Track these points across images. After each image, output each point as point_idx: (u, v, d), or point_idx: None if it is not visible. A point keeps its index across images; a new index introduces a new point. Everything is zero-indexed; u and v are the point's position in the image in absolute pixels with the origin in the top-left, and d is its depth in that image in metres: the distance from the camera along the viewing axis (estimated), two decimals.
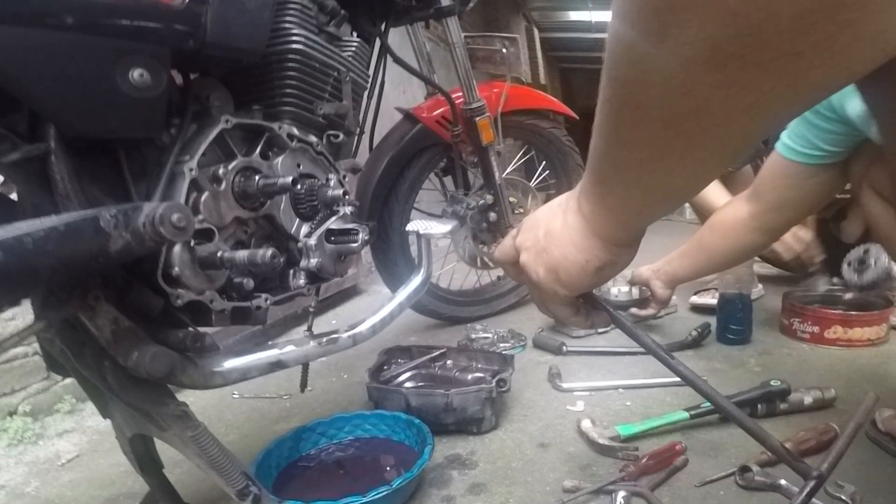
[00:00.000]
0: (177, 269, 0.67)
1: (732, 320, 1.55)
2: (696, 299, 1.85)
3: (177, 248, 0.67)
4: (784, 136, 1.15)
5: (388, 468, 1.03)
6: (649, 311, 1.61)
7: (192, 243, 0.70)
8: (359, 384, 1.36)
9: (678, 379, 1.25)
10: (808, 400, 1.12)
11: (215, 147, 0.81)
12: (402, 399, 1.12)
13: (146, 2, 0.68)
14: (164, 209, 0.55)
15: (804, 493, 0.61)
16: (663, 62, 0.29)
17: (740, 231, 1.30)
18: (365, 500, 0.83)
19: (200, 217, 0.73)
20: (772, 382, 1.13)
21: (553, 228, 0.52)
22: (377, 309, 0.88)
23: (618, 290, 1.67)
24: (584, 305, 0.62)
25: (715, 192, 1.67)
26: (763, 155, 1.37)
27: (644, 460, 0.96)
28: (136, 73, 0.67)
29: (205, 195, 0.75)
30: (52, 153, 0.60)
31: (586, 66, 8.42)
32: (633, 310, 1.63)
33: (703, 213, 1.68)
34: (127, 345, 0.60)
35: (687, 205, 2.17)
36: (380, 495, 0.84)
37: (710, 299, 1.77)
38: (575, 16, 6.88)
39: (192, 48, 0.74)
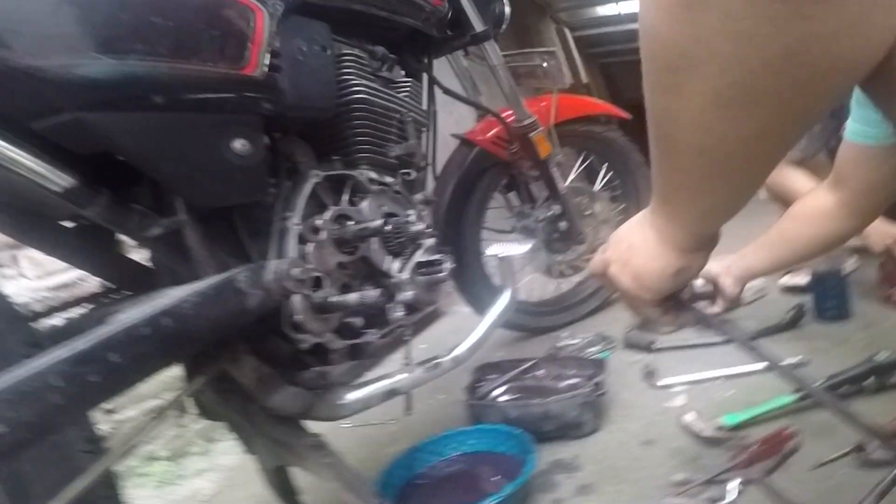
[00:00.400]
0: (299, 316, 0.76)
1: (828, 297, 1.49)
2: (786, 280, 1.79)
3: (296, 298, 0.76)
4: (850, 121, 1.13)
5: (495, 479, 1.07)
6: (715, 309, 1.55)
7: (307, 293, 0.79)
8: (456, 403, 1.42)
9: (781, 363, 1.22)
10: None
11: (309, 200, 0.90)
12: (500, 412, 1.17)
13: (233, 76, 0.77)
14: (286, 265, 0.64)
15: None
16: (683, 107, 0.37)
17: (828, 219, 1.26)
18: None
19: (310, 266, 0.81)
20: (878, 356, 1.08)
21: (634, 242, 0.60)
22: (471, 331, 0.94)
23: (700, 280, 1.65)
24: (671, 307, 0.66)
25: (798, 180, 1.62)
26: (833, 138, 1.33)
27: (754, 447, 0.94)
28: (237, 143, 0.77)
29: (310, 246, 0.83)
30: (186, 224, 0.70)
31: (625, 58, 8.24)
32: (700, 304, 1.56)
33: (786, 202, 1.62)
34: (268, 388, 0.69)
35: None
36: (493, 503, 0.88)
37: (802, 279, 1.71)
38: (602, 10, 6.78)
39: (276, 112, 0.83)
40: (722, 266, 1.47)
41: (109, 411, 1.39)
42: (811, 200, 1.30)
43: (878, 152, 1.10)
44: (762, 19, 0.29)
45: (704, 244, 0.56)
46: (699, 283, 1.59)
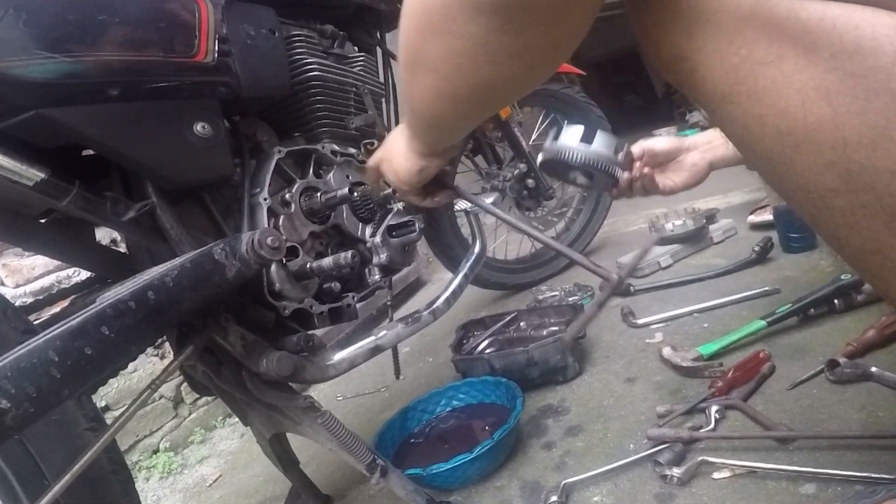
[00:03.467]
0: (278, 284, 0.79)
1: (792, 229, 1.53)
2: (753, 218, 1.83)
3: (274, 268, 0.78)
4: None
5: (486, 428, 1.11)
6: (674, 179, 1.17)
7: (284, 261, 0.81)
8: (444, 363, 1.46)
9: (748, 293, 1.26)
10: None
11: (276, 176, 0.92)
12: (486, 364, 1.20)
13: (185, 64, 0.79)
14: (259, 235, 0.66)
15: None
16: (416, 88, 0.50)
17: None
18: (472, 456, 0.92)
19: (283, 238, 0.83)
20: (842, 277, 1.11)
21: (395, 146, 0.76)
22: (446, 285, 0.97)
23: (671, 224, 1.70)
24: (431, 189, 0.84)
25: None
26: None
27: (731, 374, 0.98)
28: (198, 126, 0.79)
29: (281, 218, 0.86)
30: (158, 206, 0.72)
31: None
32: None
33: None
34: (256, 355, 0.72)
35: None
36: (484, 449, 0.92)
37: (768, 215, 1.75)
38: None
39: (232, 95, 0.86)
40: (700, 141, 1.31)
41: (105, 408, 1.41)
42: None
43: None
44: (451, 68, 0.44)
45: (439, 154, 0.72)
46: (678, 221, 1.62)
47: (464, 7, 0.39)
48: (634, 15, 0.42)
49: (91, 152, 0.79)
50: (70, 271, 1.49)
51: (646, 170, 1.06)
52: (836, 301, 1.11)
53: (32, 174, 0.66)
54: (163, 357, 1.54)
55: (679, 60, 0.39)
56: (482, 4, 0.38)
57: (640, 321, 1.36)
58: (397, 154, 0.74)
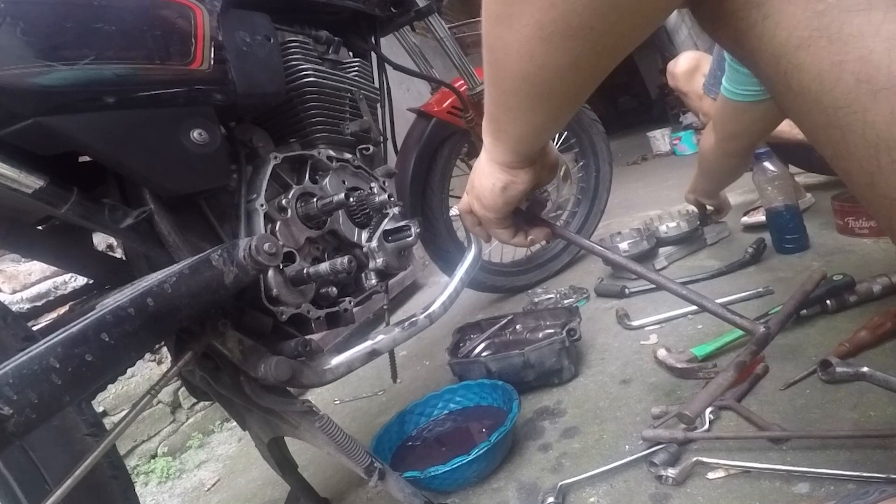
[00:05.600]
0: (275, 290, 0.79)
1: (785, 230, 1.54)
2: (746, 220, 1.85)
3: (271, 273, 0.79)
4: (724, 80, 1.23)
5: (483, 430, 1.12)
6: (721, 219, 1.81)
7: (281, 267, 0.82)
8: (441, 367, 1.47)
9: (743, 294, 1.29)
10: (876, 288, 1.11)
11: (272, 181, 0.93)
12: (483, 367, 1.21)
13: (182, 72, 0.80)
14: (257, 241, 0.67)
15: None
16: (513, 38, 0.42)
17: (716, 155, 1.43)
18: (469, 458, 0.92)
19: (280, 243, 0.84)
20: (834, 277, 1.12)
21: (477, 167, 0.67)
22: (442, 289, 0.98)
23: (665, 226, 1.71)
24: (523, 225, 0.74)
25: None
26: None
27: None
28: (195, 133, 0.80)
29: (278, 224, 0.87)
30: (155, 213, 0.73)
31: None
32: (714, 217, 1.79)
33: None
34: (254, 359, 0.73)
35: None
36: (482, 451, 0.93)
37: (761, 216, 1.76)
38: None
39: (228, 101, 0.86)
40: (699, 193, 1.69)
41: (103, 413, 1.41)
42: (705, 139, 1.47)
43: (744, 106, 1.21)
44: None
45: (526, 163, 0.62)
46: (672, 223, 1.70)
47: None
48: None
49: (87, 159, 0.79)
50: (66, 277, 1.49)
51: None
52: (828, 302, 1.13)
53: (31, 182, 0.67)
54: (160, 362, 1.54)
55: (748, 7, 0.38)
56: None
57: (635, 323, 1.37)
58: (478, 174, 0.65)
